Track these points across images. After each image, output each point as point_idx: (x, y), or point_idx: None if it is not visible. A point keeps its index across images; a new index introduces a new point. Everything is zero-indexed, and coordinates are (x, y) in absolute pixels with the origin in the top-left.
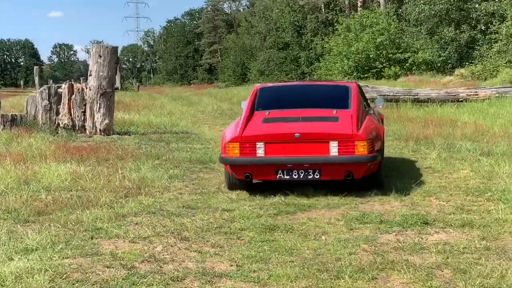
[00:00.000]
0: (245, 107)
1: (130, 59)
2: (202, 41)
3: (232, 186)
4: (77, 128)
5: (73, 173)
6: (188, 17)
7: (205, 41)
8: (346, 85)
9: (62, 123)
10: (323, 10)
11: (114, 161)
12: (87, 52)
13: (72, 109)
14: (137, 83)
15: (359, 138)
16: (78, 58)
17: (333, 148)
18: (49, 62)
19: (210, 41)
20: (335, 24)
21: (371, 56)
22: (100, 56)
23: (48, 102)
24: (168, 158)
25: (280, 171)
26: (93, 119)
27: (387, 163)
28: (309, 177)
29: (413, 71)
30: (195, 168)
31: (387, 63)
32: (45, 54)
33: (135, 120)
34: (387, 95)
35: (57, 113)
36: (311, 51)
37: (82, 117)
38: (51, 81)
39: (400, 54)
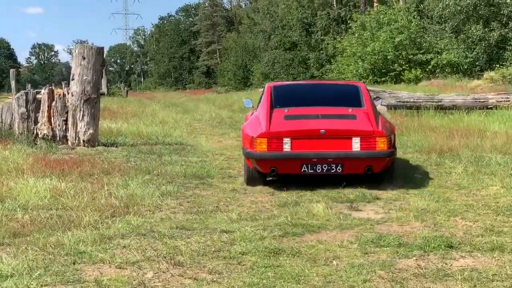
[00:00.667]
0: (261, 103)
1: (118, 61)
2: (198, 41)
3: (250, 180)
4: (58, 138)
5: (53, 189)
6: (183, 14)
7: (202, 41)
8: (356, 84)
9: (41, 133)
10: (334, 5)
11: (99, 176)
12: (70, 53)
13: (52, 118)
14: (125, 88)
15: (379, 134)
16: (59, 60)
17: (355, 144)
18: (27, 64)
19: (208, 41)
20: (348, 22)
21: (389, 57)
22: (84, 58)
23: (25, 110)
24: (160, 173)
25: (304, 165)
26: (76, 128)
27: (406, 179)
28: (332, 171)
29: (437, 74)
30: (190, 184)
31: (407, 65)
32: (22, 55)
33: (123, 130)
34: (407, 102)
35: (36, 122)
36: (321, 51)
37: (64, 127)
38: (29, 85)
39: (421, 55)
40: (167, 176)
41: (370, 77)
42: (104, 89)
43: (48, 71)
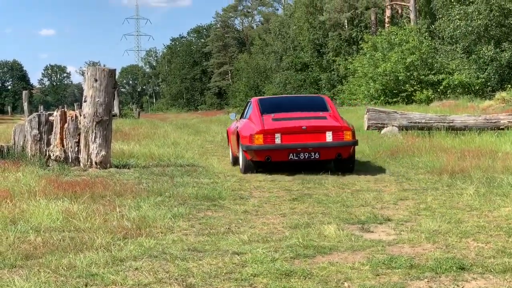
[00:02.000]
0: (251, 112)
1: (130, 82)
2: (210, 62)
3: (247, 169)
4: (70, 160)
5: (66, 211)
6: (195, 35)
7: (214, 62)
8: (322, 96)
9: (53, 155)
10: (346, 26)
11: (112, 198)
12: (82, 75)
13: (64, 139)
14: (137, 109)
15: (346, 128)
16: (72, 81)
17: (329, 136)
18: (40, 86)
19: (220, 62)
20: (359, 43)
21: (400, 78)
22: (96, 80)
23: (38, 132)
24: (172, 195)
25: (291, 154)
26: (88, 150)
27: (417, 200)
28: (311, 157)
29: (448, 95)
30: (202, 206)
31: (419, 86)
32: (35, 77)
33: (135, 151)
34: (419, 123)
35: (48, 144)
36: (333, 72)
37: (76, 148)
38: (41, 107)
39: (433, 76)
40: (179, 197)
41: (382, 98)
42: (116, 110)
43: (60, 92)
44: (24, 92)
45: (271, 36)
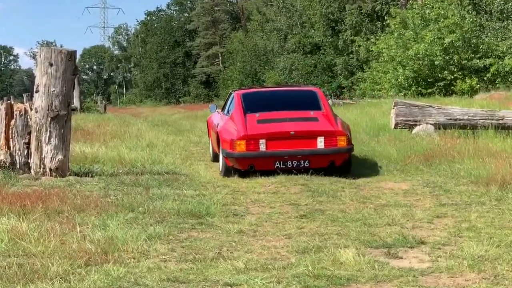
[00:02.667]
0: (233, 109)
1: (94, 67)
2: (196, 42)
3: (227, 172)
4: (18, 166)
5: (12, 231)
6: (177, 8)
7: (200, 42)
8: (313, 90)
9: None
10: None
11: (71, 214)
12: (33, 58)
13: (10, 140)
14: (103, 102)
15: (340, 133)
16: (20, 66)
17: (320, 142)
18: None
19: (208, 42)
20: (385, 18)
21: (437, 62)
22: (51, 65)
23: None
24: (147, 210)
25: (277, 162)
26: (41, 153)
27: (458, 218)
28: (300, 165)
29: (497, 85)
30: (185, 224)
31: (460, 73)
32: None
33: (101, 155)
34: (460, 119)
35: None
36: (351, 56)
37: (25, 151)
38: None
39: (478, 60)
40: (156, 214)
41: (413, 88)
42: (76, 103)
43: (5, 80)
44: None
45: (273, 9)
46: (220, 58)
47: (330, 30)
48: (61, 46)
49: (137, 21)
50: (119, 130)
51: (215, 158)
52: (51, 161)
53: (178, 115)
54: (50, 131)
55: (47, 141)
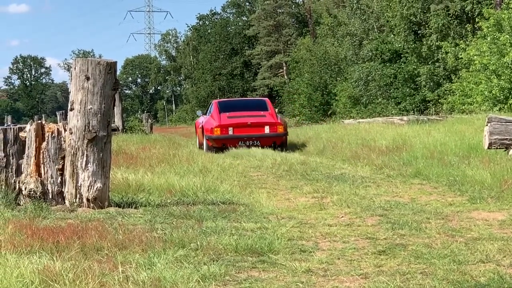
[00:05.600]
0: (212, 111)
1: (138, 80)
2: (256, 50)
3: (208, 150)
4: (50, 196)
5: (44, 271)
6: (233, 11)
7: (261, 50)
8: (264, 99)
9: (26, 188)
10: None
11: (111, 252)
12: (68, 70)
13: (42, 166)
14: (149, 120)
15: (279, 124)
16: (53, 80)
17: (267, 129)
18: (6, 87)
19: (270, 50)
20: (476, 20)
21: None
22: (88, 78)
23: (3, 155)
24: (200, 247)
25: (240, 141)
26: (77, 181)
27: None
28: (254, 144)
29: None
30: (244, 263)
31: None
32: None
33: (146, 183)
34: None
35: (18, 172)
36: (437, 64)
37: (59, 179)
38: (8, 118)
39: None
40: (210, 251)
41: (510, 101)
42: (117, 122)
43: (36, 96)
44: None
45: (346, 11)
46: (285, 68)
47: (412, 35)
48: (100, 57)
49: (188, 26)
50: (168, 153)
51: (200, 147)
52: (88, 190)
53: None
54: (87, 155)
55: (83, 167)
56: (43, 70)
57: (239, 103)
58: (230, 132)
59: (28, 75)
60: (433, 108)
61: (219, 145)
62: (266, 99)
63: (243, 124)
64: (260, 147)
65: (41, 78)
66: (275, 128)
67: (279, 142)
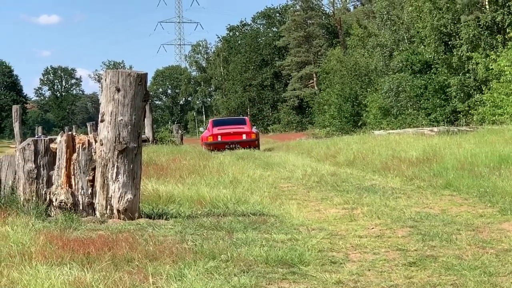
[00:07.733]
0: (208, 126)
1: (169, 91)
2: (287, 61)
3: (205, 150)
4: (81, 207)
5: (75, 282)
6: (263, 22)
7: (292, 61)
8: (244, 118)
9: (56, 199)
10: (487, 6)
11: (142, 263)
12: (98, 82)
13: (72, 177)
14: (179, 131)
15: (253, 133)
16: (83, 91)
17: (244, 136)
18: (37, 98)
19: (301, 61)
20: (507, 30)
21: None
22: (119, 90)
23: (34, 166)
24: (230, 258)
25: (226, 145)
26: (107, 192)
27: None
28: (236, 147)
29: None
30: (275, 274)
31: None
32: (30, 85)
33: (176, 194)
34: None
35: (49, 184)
36: (467, 75)
37: (89, 190)
38: (39, 128)
39: None
40: (241, 262)
41: None
42: (148, 133)
43: (66, 107)
44: (14, 107)
45: (376, 22)
46: (315, 79)
47: (443, 46)
48: (130, 68)
49: (218, 37)
50: (198, 165)
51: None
52: (119, 201)
53: (267, 145)
54: (117, 166)
55: (114, 178)
56: (73, 81)
57: (227, 120)
58: (219, 139)
59: (59, 86)
60: (464, 119)
61: (212, 148)
62: (246, 117)
63: (228, 134)
64: (243, 148)
65: (71, 89)
66: (250, 136)
67: (254, 145)
